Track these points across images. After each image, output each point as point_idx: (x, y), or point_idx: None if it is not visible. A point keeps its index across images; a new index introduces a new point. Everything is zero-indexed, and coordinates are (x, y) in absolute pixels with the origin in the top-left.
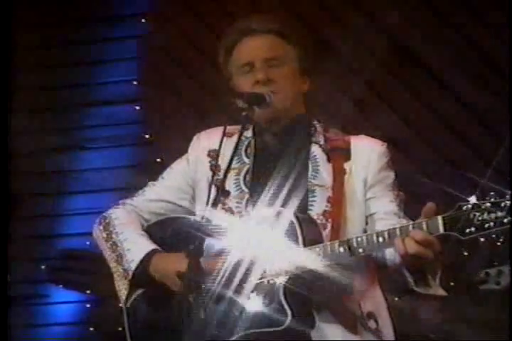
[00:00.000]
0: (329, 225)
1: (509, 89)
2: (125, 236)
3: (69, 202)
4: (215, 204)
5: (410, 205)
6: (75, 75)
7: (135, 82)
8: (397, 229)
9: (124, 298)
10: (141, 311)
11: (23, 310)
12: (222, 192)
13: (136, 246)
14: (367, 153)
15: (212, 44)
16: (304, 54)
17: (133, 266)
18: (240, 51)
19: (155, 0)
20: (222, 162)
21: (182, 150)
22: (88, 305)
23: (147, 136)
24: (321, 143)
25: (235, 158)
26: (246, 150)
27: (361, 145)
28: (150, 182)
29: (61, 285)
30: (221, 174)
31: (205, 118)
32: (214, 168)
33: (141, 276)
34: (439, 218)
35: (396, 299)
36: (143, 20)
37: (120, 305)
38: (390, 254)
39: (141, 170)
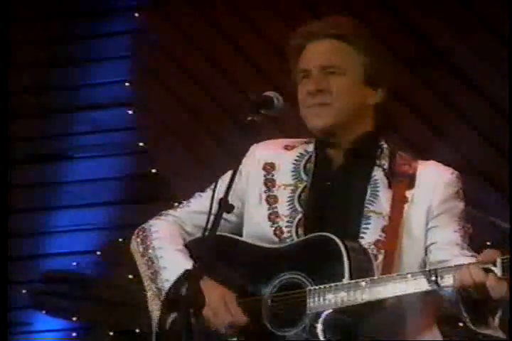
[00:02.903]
0: (381, 256)
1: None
2: (162, 252)
3: (53, 218)
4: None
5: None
6: (60, 76)
7: (127, 83)
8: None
9: (156, 320)
10: (174, 338)
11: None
12: (225, 207)
13: (172, 265)
14: (433, 181)
15: (213, 40)
16: (372, 62)
17: (167, 285)
18: (302, 57)
19: None
20: (278, 176)
21: (180, 160)
22: (74, 334)
23: (141, 144)
24: (385, 166)
25: (293, 173)
26: (305, 166)
27: (428, 173)
28: (197, 193)
29: (44, 312)
30: (275, 190)
31: (207, 123)
32: (269, 182)
33: (175, 298)
34: (498, 260)
35: None
36: (136, 14)
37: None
38: (447, 290)
39: (135, 182)
